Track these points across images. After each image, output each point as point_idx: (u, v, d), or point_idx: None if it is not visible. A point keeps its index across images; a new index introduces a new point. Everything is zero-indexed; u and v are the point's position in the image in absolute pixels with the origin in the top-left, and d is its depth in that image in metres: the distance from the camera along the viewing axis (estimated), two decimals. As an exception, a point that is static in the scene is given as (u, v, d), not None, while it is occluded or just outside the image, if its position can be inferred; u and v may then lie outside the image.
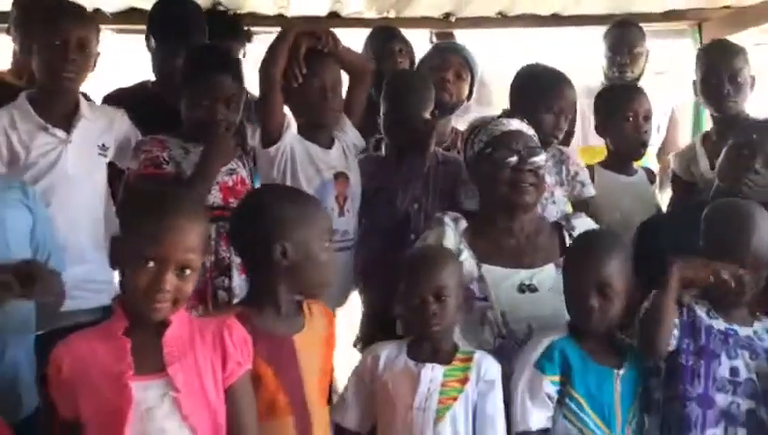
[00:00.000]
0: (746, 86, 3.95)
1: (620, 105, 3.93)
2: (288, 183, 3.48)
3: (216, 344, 2.41)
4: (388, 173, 3.68)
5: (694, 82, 4.09)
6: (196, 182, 3.24)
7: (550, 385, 2.80)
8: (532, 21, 5.42)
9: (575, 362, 2.81)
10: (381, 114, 3.73)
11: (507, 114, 3.31)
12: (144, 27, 4.16)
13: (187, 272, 2.32)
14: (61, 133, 3.39)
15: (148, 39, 4.09)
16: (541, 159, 3.18)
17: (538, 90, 3.76)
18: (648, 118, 3.94)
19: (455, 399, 2.77)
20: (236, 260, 3.25)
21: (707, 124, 4.43)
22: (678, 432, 2.85)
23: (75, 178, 3.39)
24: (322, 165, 3.58)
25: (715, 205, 3.05)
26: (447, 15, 5.37)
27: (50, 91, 3.40)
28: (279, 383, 2.60)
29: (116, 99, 3.91)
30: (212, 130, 3.30)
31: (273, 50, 3.52)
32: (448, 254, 2.96)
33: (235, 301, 3.17)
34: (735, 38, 5.41)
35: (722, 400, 2.87)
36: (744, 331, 2.92)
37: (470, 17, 5.38)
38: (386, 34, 4.59)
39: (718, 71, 3.95)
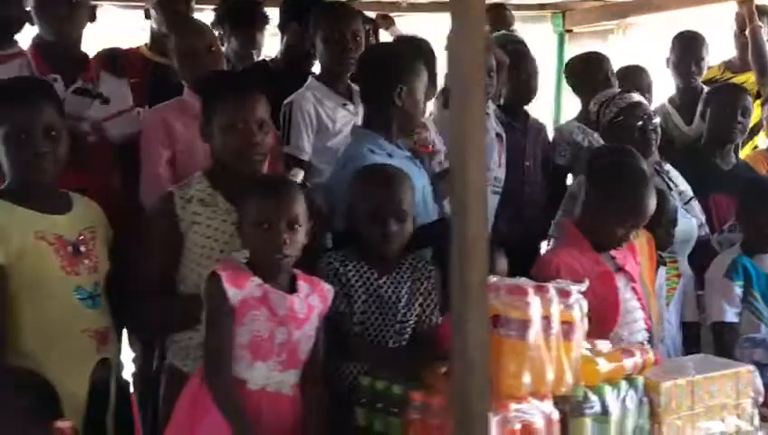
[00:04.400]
0: (705, 68, 5.44)
1: None
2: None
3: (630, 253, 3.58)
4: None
5: (667, 60, 5.46)
6: None
7: (737, 289, 3.97)
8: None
9: (752, 271, 4.02)
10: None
11: (625, 90, 4.54)
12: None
13: None
14: (352, 108, 4.06)
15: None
16: (657, 120, 4.45)
17: None
18: None
19: (674, 289, 4.04)
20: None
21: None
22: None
23: None
24: (488, 125, 4.50)
25: None
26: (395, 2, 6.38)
27: (334, 75, 4.09)
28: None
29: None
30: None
31: None
32: None
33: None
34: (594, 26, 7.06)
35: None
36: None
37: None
38: None
39: (688, 56, 5.39)
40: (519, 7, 6.98)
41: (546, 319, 2.66)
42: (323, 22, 4.12)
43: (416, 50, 4.13)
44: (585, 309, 2.77)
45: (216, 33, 4.52)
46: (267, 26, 5.10)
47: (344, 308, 3.02)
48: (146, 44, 4.65)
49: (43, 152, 2.95)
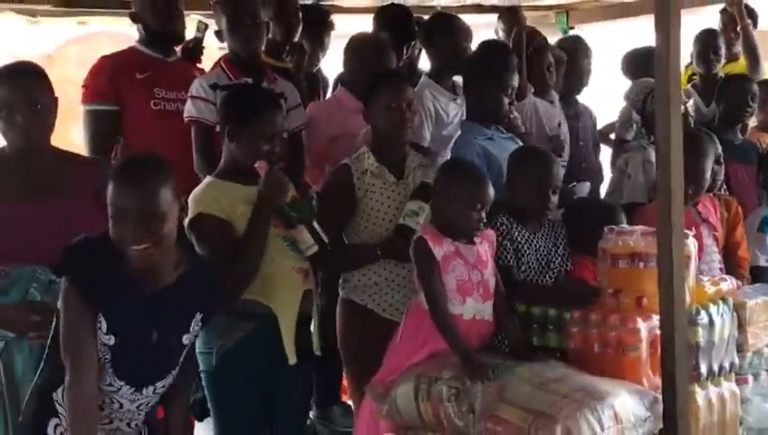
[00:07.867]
0: (723, 58, 6.49)
1: None
2: (533, 126, 5.26)
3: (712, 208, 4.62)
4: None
5: (691, 54, 6.51)
6: None
7: (768, 240, 5.07)
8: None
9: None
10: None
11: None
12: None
13: None
14: (459, 101, 4.95)
15: None
16: (692, 104, 5.47)
17: None
18: None
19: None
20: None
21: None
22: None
23: None
24: (553, 113, 5.45)
25: None
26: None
27: (444, 75, 5.00)
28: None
29: None
30: None
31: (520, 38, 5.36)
32: None
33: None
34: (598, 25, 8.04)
35: None
36: None
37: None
38: None
39: (708, 47, 6.44)
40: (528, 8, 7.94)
41: (672, 253, 3.63)
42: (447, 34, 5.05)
43: (503, 52, 4.97)
44: (697, 247, 3.74)
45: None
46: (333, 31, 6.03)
47: (513, 262, 3.89)
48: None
49: (276, 152, 3.84)
